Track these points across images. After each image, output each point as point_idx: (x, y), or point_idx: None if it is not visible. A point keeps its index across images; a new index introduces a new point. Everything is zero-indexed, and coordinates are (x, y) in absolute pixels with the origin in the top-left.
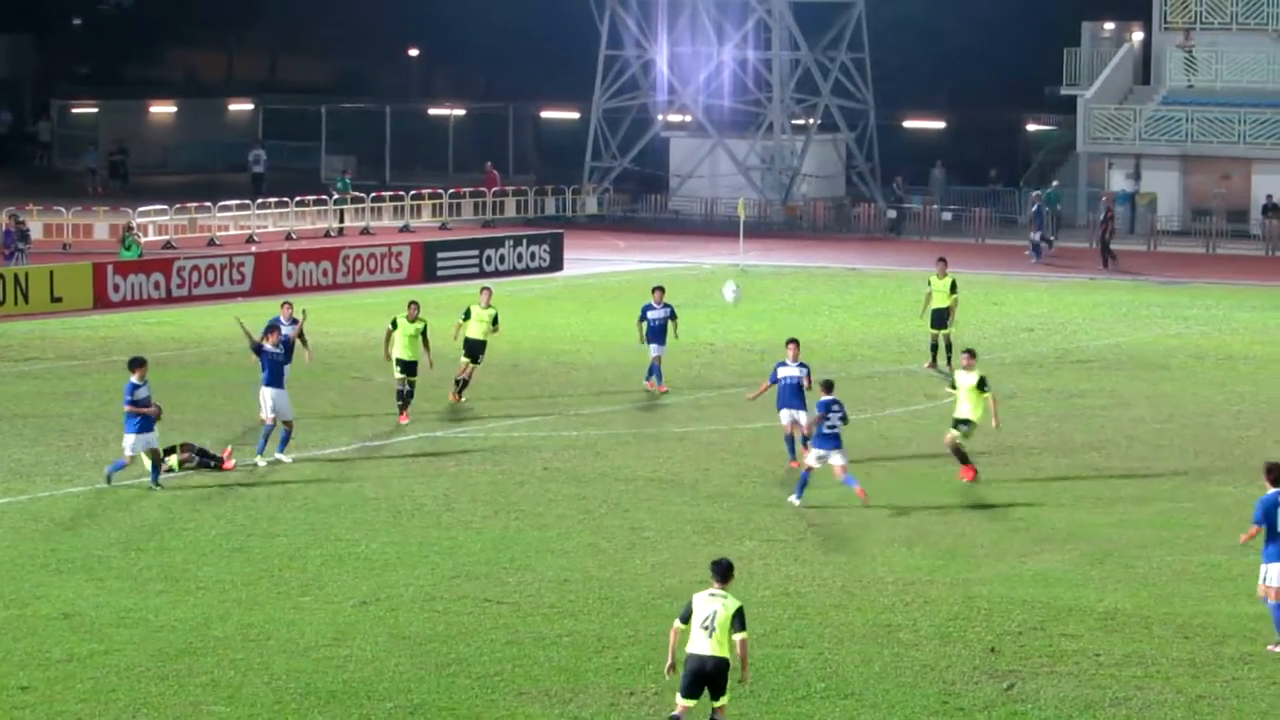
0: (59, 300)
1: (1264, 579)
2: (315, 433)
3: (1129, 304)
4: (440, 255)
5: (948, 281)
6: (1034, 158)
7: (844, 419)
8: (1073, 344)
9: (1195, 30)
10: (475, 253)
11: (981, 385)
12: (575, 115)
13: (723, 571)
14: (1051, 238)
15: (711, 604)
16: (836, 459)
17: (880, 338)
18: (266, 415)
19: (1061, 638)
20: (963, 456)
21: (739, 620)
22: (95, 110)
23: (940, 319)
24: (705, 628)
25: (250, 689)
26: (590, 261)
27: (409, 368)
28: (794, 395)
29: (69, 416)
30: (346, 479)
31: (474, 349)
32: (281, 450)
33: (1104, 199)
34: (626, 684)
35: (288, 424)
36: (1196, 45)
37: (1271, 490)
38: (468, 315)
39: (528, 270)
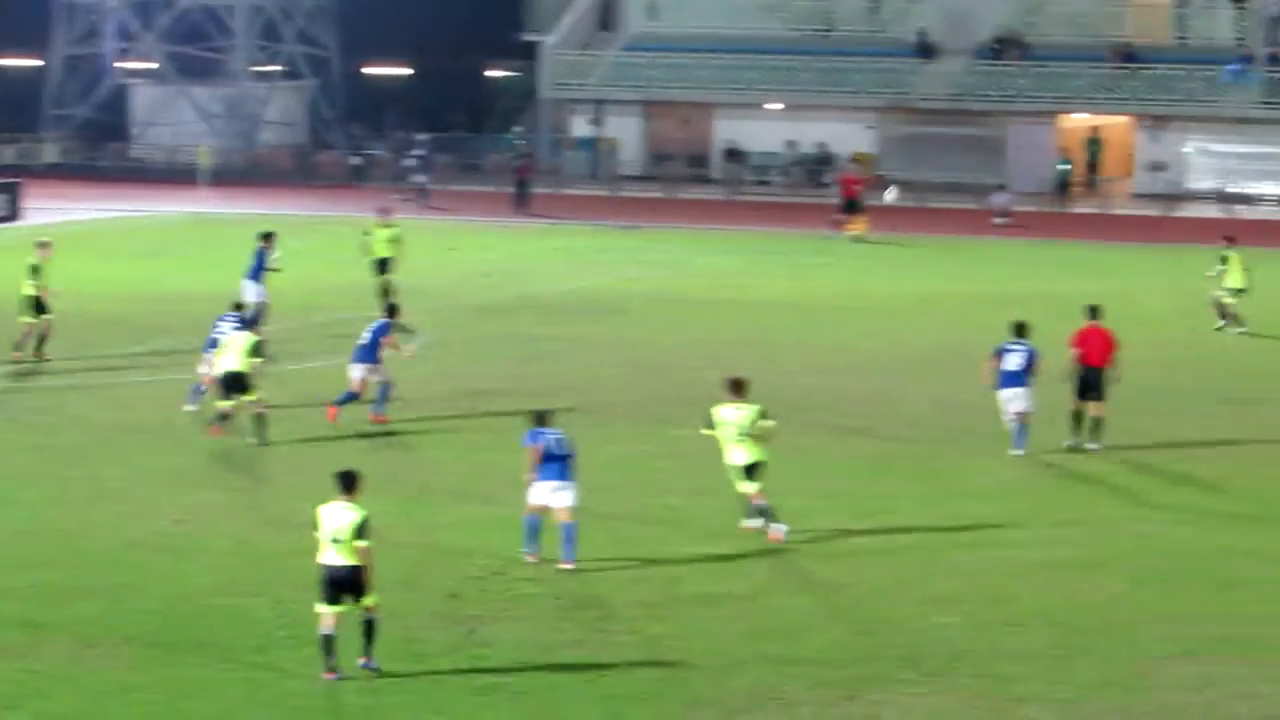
0: None
1: None
2: None
3: (587, 248)
4: None
5: (393, 231)
6: (497, 104)
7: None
8: (532, 289)
9: None
10: None
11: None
12: (36, 62)
13: (347, 482)
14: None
15: (338, 515)
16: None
17: (340, 285)
18: None
19: (522, 581)
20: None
21: (363, 529)
22: None
23: (383, 267)
24: (334, 539)
25: None
26: (51, 210)
27: None
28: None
29: None
30: None
31: None
32: None
33: (520, 145)
34: (89, 636)
35: None
36: None
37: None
38: None
39: None
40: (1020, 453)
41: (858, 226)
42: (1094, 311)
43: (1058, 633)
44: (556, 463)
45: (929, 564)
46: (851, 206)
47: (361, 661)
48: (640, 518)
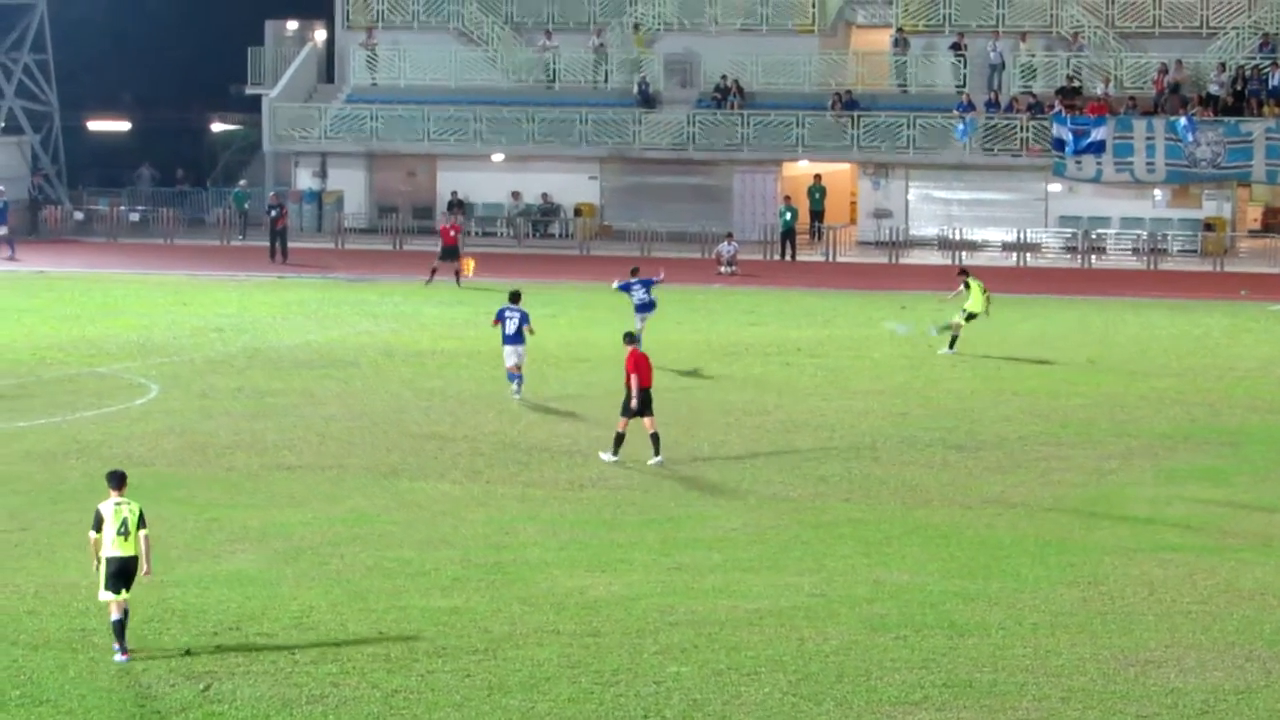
0: None
1: None
2: None
3: (318, 301)
4: None
5: None
6: (221, 157)
7: None
8: (263, 343)
9: (378, 28)
10: None
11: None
12: None
13: (119, 480)
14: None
15: (120, 511)
16: None
17: (70, 340)
18: None
19: (257, 636)
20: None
21: (142, 520)
22: None
23: None
24: (121, 532)
25: None
26: None
27: None
28: None
29: None
30: None
31: None
32: None
33: (271, 196)
34: None
35: None
36: (380, 44)
37: None
38: None
39: None
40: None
41: (466, 269)
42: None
43: (791, 680)
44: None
45: (664, 613)
46: (449, 253)
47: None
48: (376, 570)
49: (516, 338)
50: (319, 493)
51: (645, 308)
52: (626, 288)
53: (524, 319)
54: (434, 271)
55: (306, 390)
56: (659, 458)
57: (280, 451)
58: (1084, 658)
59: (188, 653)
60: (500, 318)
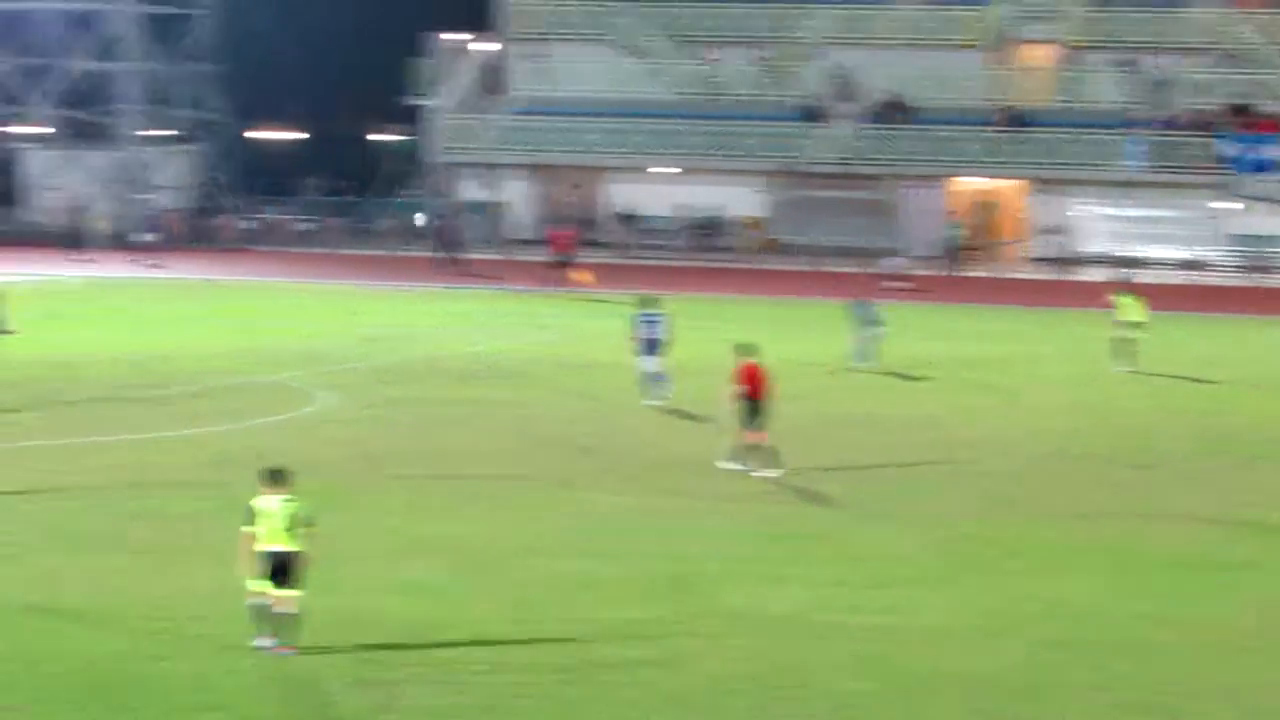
0: None
1: None
2: None
3: (485, 312)
4: None
5: None
6: (384, 167)
7: None
8: (431, 353)
9: (542, 40)
10: None
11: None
12: None
13: (277, 477)
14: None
15: (278, 505)
16: None
17: (238, 348)
18: None
19: (433, 645)
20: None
21: (306, 516)
22: None
23: None
24: (281, 527)
25: None
26: None
27: None
28: None
29: None
30: None
31: None
32: None
33: (438, 207)
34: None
35: None
36: (543, 56)
37: None
38: None
39: None
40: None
41: (582, 277)
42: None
43: (969, 699)
44: None
45: (838, 629)
46: (563, 260)
47: (269, 643)
48: (551, 581)
49: (653, 346)
50: (492, 502)
51: (869, 323)
52: (861, 307)
53: (660, 325)
54: (562, 274)
55: (476, 400)
56: (767, 470)
57: (452, 461)
58: (1271, 682)
59: (367, 660)
60: (641, 324)
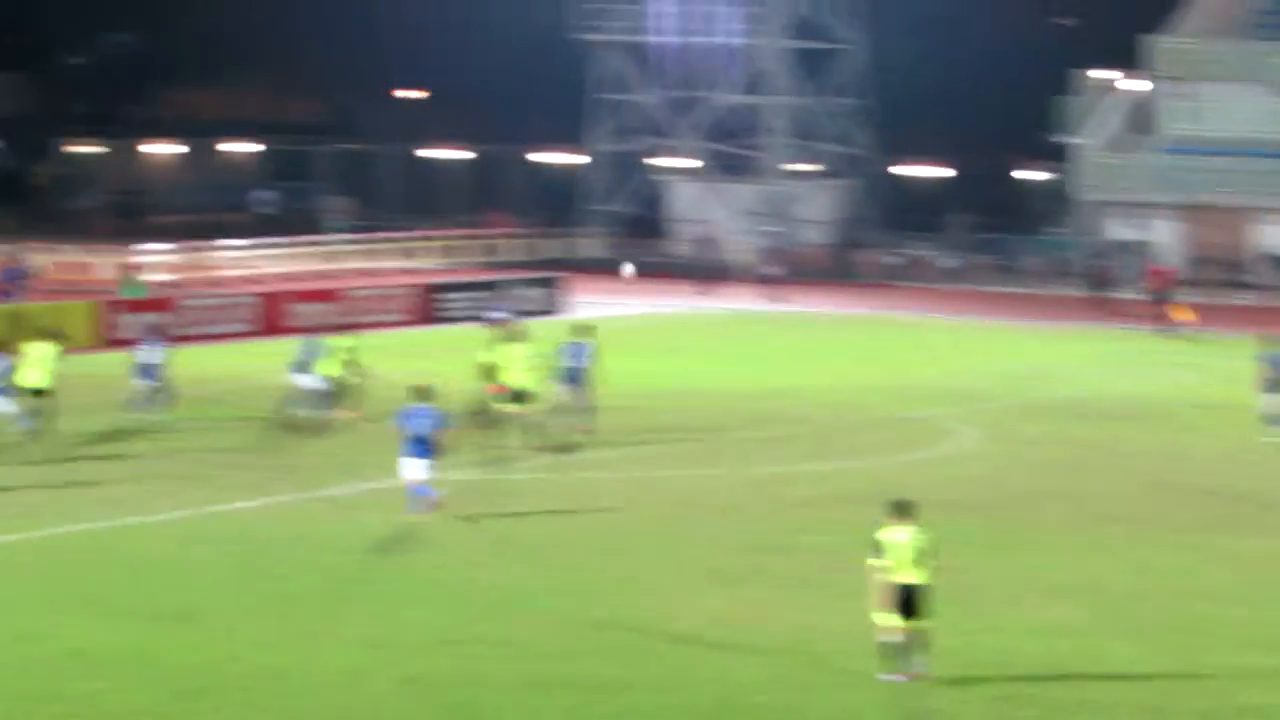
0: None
1: None
2: (322, 474)
3: (1130, 352)
4: (444, 296)
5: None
6: (1030, 205)
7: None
8: (1078, 392)
9: (1191, 80)
10: (484, 294)
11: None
12: (569, 158)
13: (904, 509)
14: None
15: (906, 538)
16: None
17: (879, 384)
18: None
19: (1070, 688)
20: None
21: (933, 549)
22: (95, 150)
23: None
24: (909, 560)
25: None
26: (589, 305)
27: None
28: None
29: (76, 457)
30: (354, 520)
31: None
32: None
33: (1096, 246)
34: None
35: None
36: (1193, 95)
37: None
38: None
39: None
40: None
41: (1182, 314)
42: None
43: None
44: None
45: None
46: (1161, 298)
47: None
48: (1192, 626)
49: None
50: (1131, 545)
51: None
52: None
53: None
54: (1161, 318)
55: (1120, 440)
56: None
57: (1095, 502)
58: None
59: (1000, 698)
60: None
